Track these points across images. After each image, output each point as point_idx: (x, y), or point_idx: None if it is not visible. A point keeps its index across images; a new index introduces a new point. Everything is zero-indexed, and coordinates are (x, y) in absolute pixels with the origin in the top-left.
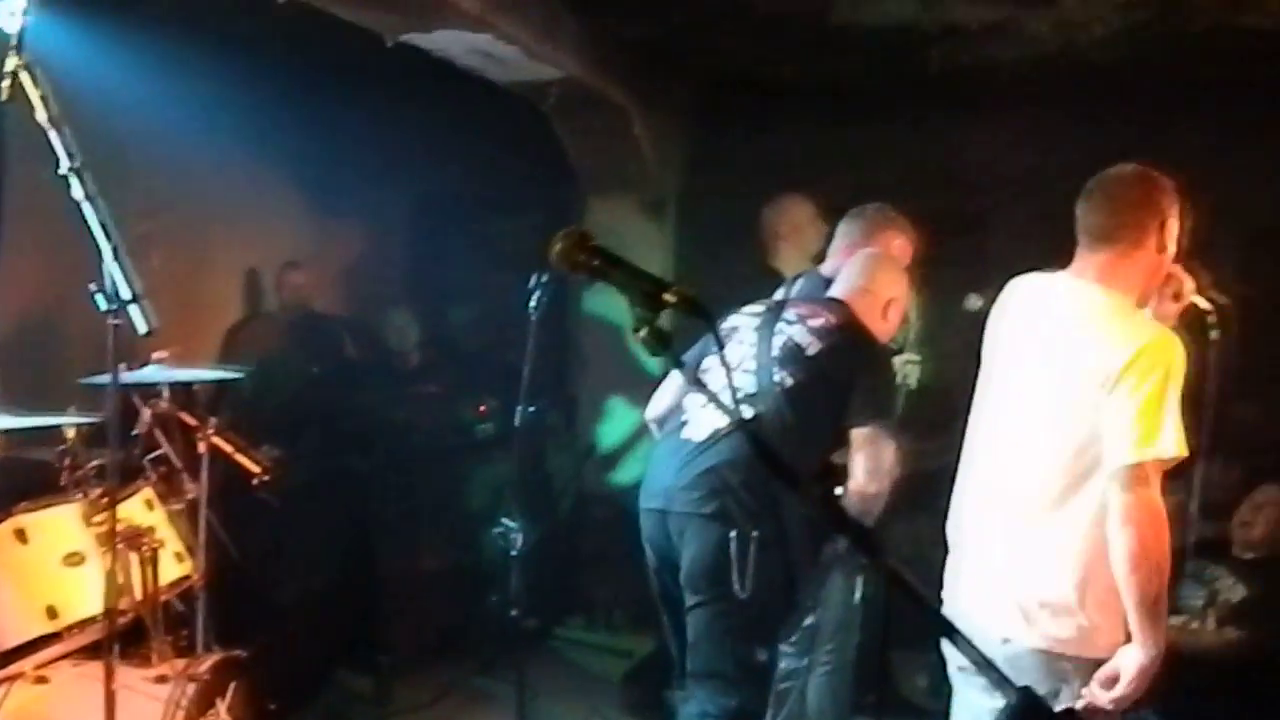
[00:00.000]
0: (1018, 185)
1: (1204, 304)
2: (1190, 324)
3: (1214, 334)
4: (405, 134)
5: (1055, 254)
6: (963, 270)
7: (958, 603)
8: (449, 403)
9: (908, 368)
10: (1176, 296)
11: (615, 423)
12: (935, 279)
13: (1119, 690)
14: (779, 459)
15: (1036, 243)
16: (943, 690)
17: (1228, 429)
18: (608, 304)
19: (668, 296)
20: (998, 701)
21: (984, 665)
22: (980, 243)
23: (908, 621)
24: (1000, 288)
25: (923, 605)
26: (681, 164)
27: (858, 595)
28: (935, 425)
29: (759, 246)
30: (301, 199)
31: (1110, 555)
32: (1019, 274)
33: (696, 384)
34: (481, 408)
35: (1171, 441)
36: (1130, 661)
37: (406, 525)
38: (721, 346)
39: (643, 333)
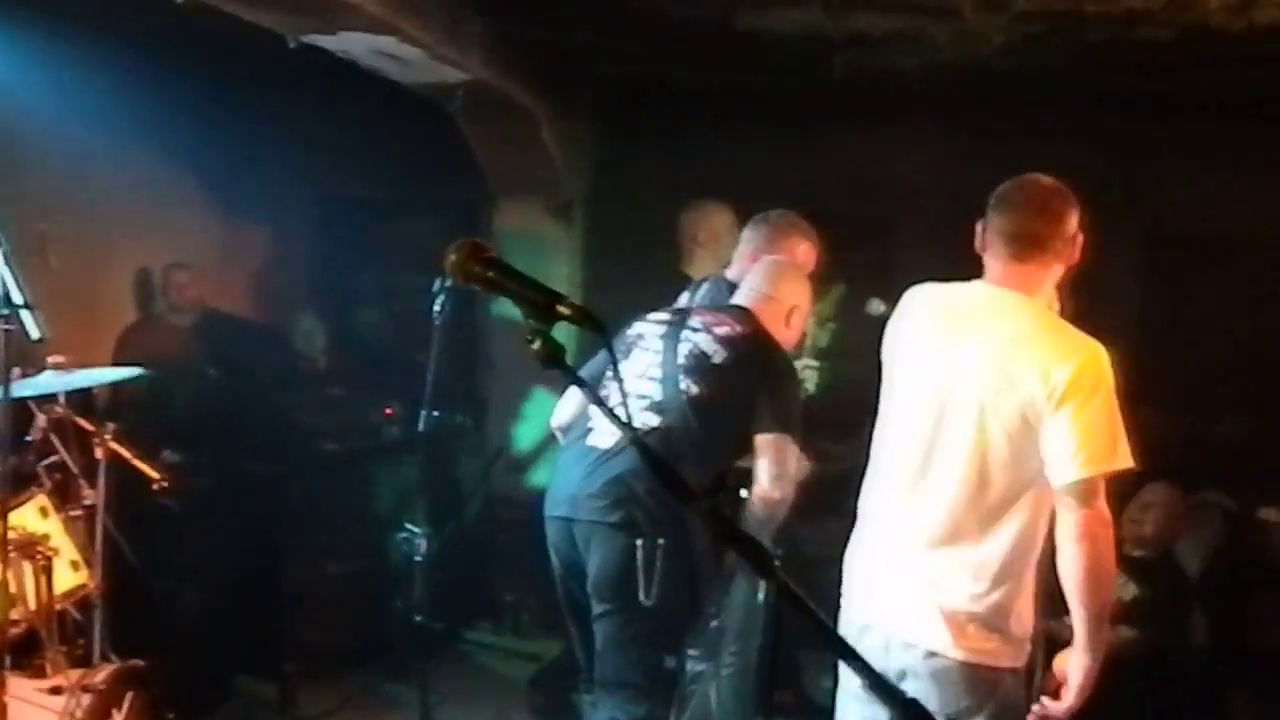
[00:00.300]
0: (922, 191)
1: None
2: None
3: None
4: (310, 135)
5: (960, 261)
6: (867, 275)
7: (870, 612)
8: (355, 406)
9: (806, 372)
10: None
11: (530, 424)
12: (840, 285)
13: (1070, 698)
14: (671, 472)
15: (941, 249)
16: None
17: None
18: (517, 313)
19: (561, 309)
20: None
21: (874, 685)
22: (886, 248)
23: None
24: (899, 294)
25: (814, 620)
26: (589, 167)
27: (760, 597)
28: (843, 428)
29: (674, 250)
30: (205, 200)
31: (1061, 569)
32: (922, 280)
33: (595, 400)
34: (388, 410)
35: (1120, 454)
36: (1077, 669)
37: (311, 530)
38: (615, 360)
39: (536, 345)
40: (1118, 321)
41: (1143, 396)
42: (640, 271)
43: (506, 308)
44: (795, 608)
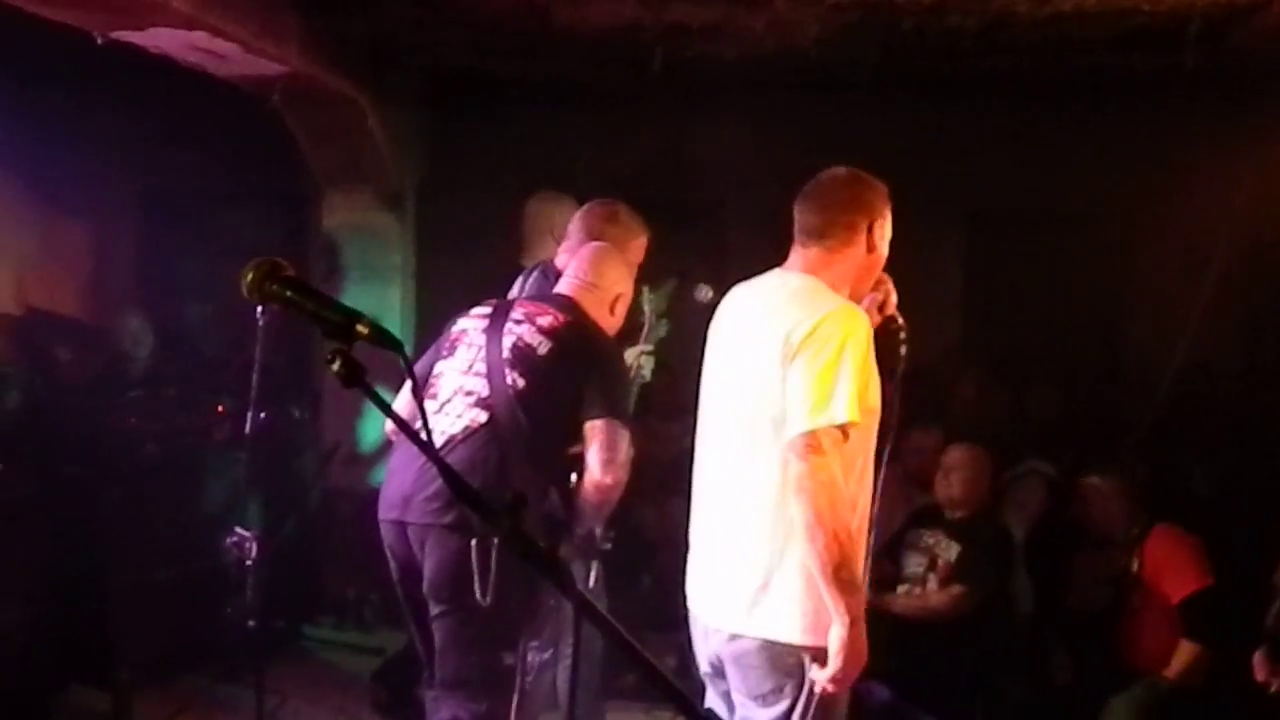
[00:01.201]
0: (745, 177)
1: (899, 320)
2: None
3: (904, 350)
4: (129, 129)
5: (785, 238)
6: (699, 253)
7: (691, 600)
8: (185, 405)
9: (642, 359)
10: (882, 307)
11: (368, 418)
12: (670, 270)
13: (830, 668)
14: (472, 492)
15: (767, 235)
16: (691, 671)
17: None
18: (350, 299)
19: (360, 328)
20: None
21: (664, 695)
22: (714, 233)
23: (655, 603)
24: (731, 278)
25: (613, 634)
26: (419, 156)
27: (593, 582)
28: (677, 410)
29: (508, 239)
30: (21, 198)
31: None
32: (749, 264)
33: (400, 428)
34: (219, 408)
35: (842, 408)
36: (833, 637)
37: (140, 534)
38: (417, 382)
39: (336, 365)
40: (943, 297)
41: (965, 369)
42: (474, 260)
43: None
44: (595, 622)
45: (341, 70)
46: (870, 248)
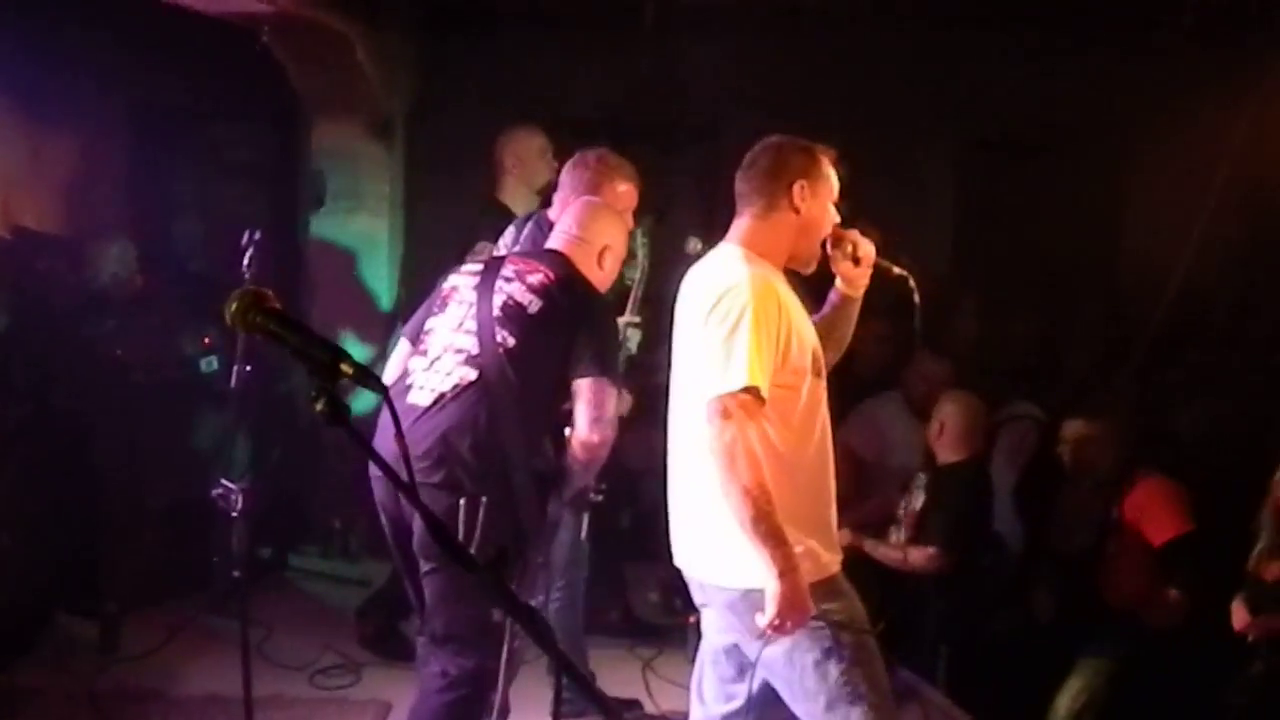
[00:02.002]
0: (737, 100)
1: (896, 270)
2: (898, 290)
3: (917, 299)
4: (117, 44)
5: None
6: (692, 176)
7: (677, 556)
8: (171, 334)
9: (629, 330)
10: (856, 260)
11: (353, 348)
12: (661, 227)
13: (765, 617)
14: (452, 540)
15: None
16: (675, 605)
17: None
18: (338, 229)
19: (345, 367)
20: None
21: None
22: (705, 158)
23: (637, 536)
24: (721, 206)
25: (569, 671)
26: (408, 85)
27: (583, 533)
28: (654, 339)
29: (487, 175)
30: (4, 116)
31: None
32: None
33: (382, 469)
34: (206, 339)
35: (741, 375)
36: (766, 587)
37: (129, 464)
38: (396, 416)
39: (320, 403)
40: (934, 225)
41: (959, 300)
42: (463, 188)
43: (329, 229)
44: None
45: (331, 8)
46: (793, 209)
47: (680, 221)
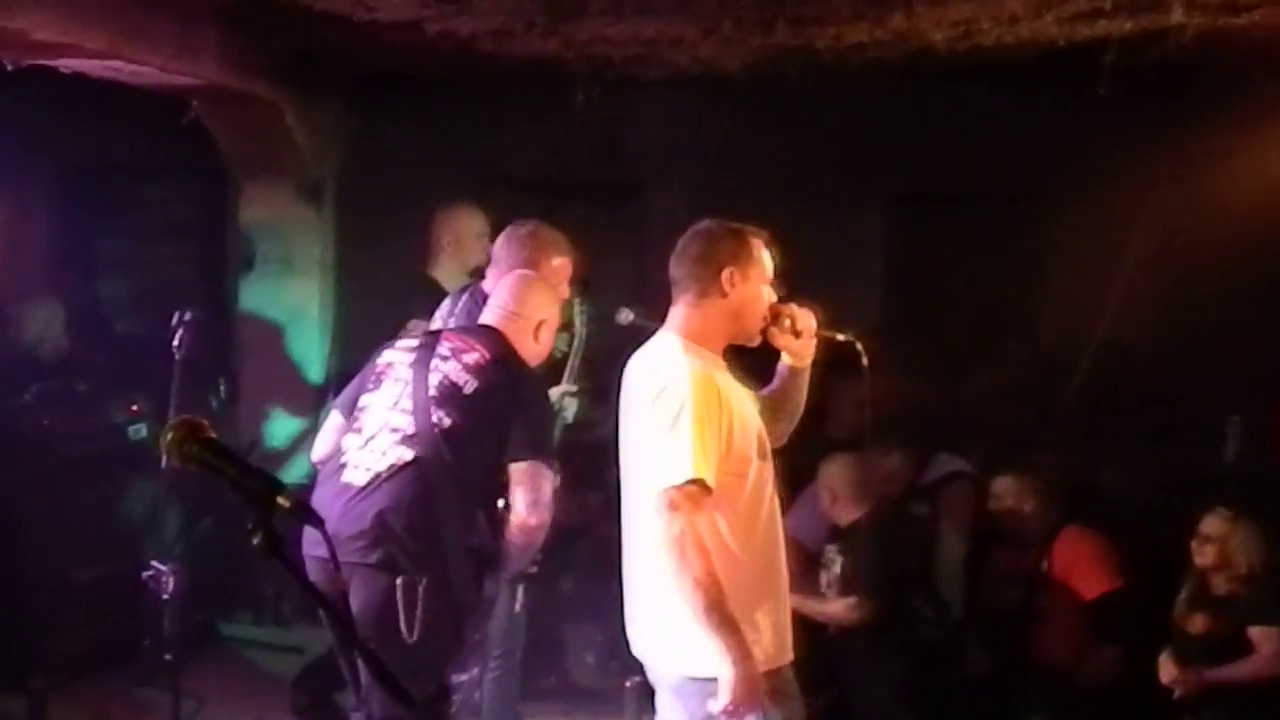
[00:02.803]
0: (671, 159)
1: (840, 337)
2: (841, 358)
3: (865, 361)
4: (42, 101)
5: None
6: (619, 239)
7: (631, 639)
8: (98, 401)
9: (566, 400)
10: (797, 333)
11: (278, 425)
12: (596, 295)
13: (719, 703)
14: (391, 678)
15: (695, 209)
16: (610, 667)
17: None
18: (269, 293)
19: (282, 500)
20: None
21: None
22: (637, 215)
23: (579, 596)
24: (652, 266)
25: None
26: (338, 150)
27: (518, 605)
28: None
29: (420, 247)
30: None
31: None
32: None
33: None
34: (134, 406)
35: (686, 467)
36: (720, 672)
37: (54, 536)
38: (326, 534)
39: (257, 537)
40: (863, 280)
41: (887, 364)
42: (395, 252)
43: (257, 301)
44: None
45: (260, 79)
46: (722, 293)
47: (612, 280)
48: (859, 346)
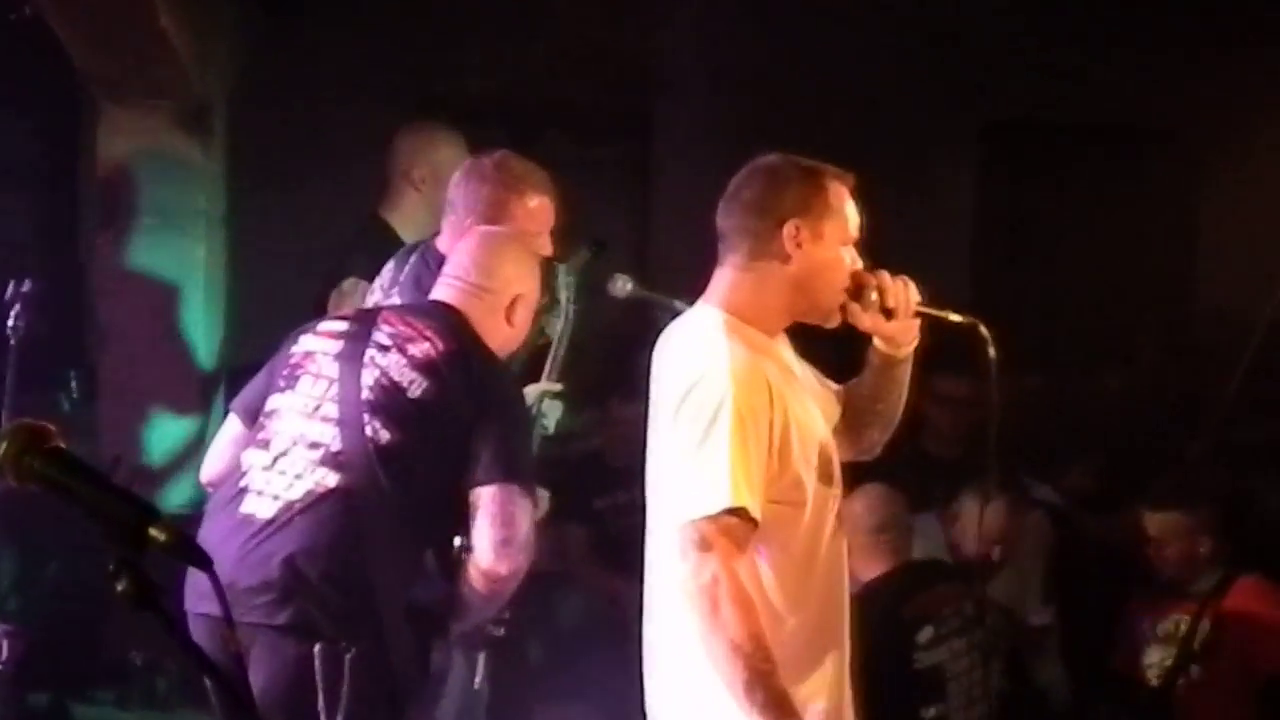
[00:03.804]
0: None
1: (955, 318)
2: (969, 343)
3: (992, 352)
4: None
5: (729, 162)
6: (619, 174)
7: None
8: None
9: (547, 403)
10: (889, 309)
11: (152, 433)
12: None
13: None
14: None
15: (703, 143)
16: None
17: None
18: (138, 255)
19: (155, 533)
20: None
21: None
22: (636, 155)
23: (556, 666)
24: (657, 221)
25: None
26: (231, 60)
27: (479, 679)
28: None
29: (364, 173)
30: None
31: None
32: (680, 198)
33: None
34: None
35: (724, 492)
36: None
37: None
38: (228, 612)
39: (122, 584)
40: (946, 242)
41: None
42: (306, 199)
43: (123, 255)
44: None
45: None
46: (786, 256)
47: (608, 238)
48: (983, 330)
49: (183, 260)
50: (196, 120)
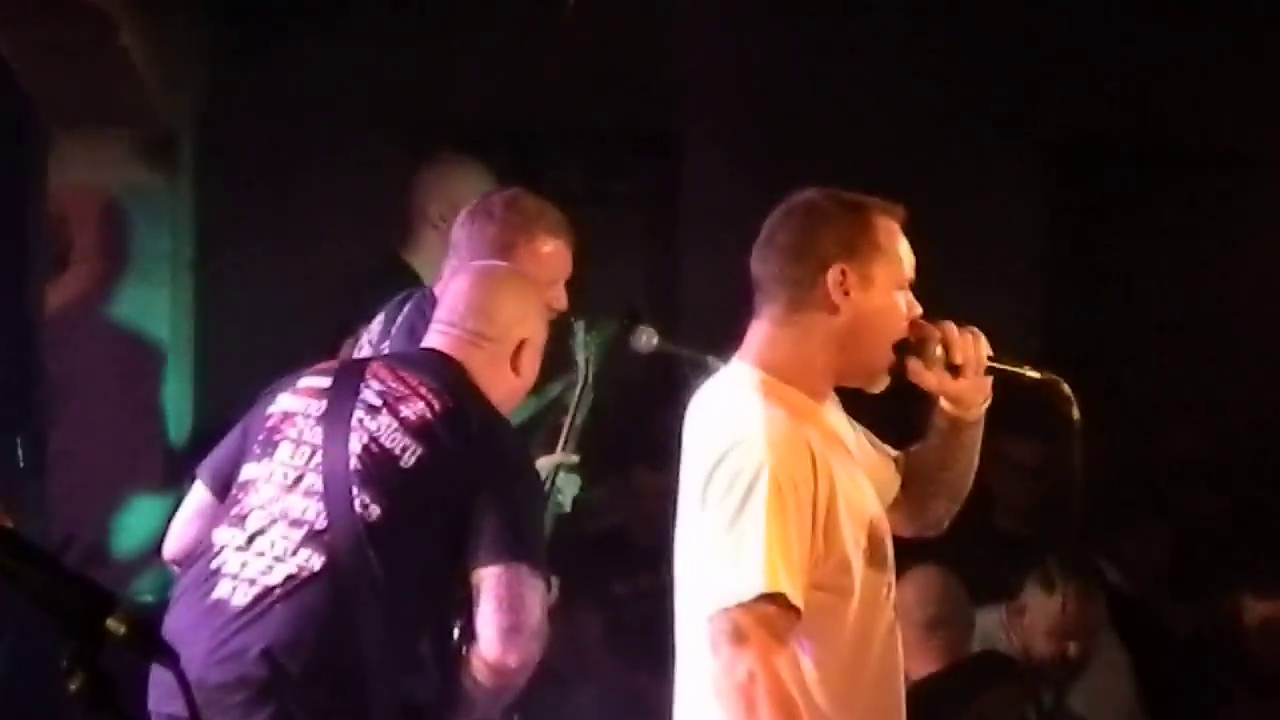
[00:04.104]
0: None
1: (1033, 374)
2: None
3: (1076, 413)
4: None
5: (766, 189)
6: (643, 210)
7: None
8: None
9: (562, 476)
10: (954, 365)
11: (111, 507)
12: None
13: None
14: None
15: (740, 171)
16: None
17: None
18: (94, 305)
19: (112, 624)
20: None
21: None
22: (666, 171)
23: None
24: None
25: None
26: (202, 82)
27: None
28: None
29: (347, 205)
30: None
31: None
32: (711, 233)
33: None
34: None
35: (757, 577)
36: None
37: None
38: (196, 714)
39: (76, 682)
40: (1012, 277)
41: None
42: (289, 244)
43: (78, 306)
44: None
45: None
46: (832, 307)
47: (625, 284)
48: (1065, 388)
49: (146, 310)
50: (162, 151)
